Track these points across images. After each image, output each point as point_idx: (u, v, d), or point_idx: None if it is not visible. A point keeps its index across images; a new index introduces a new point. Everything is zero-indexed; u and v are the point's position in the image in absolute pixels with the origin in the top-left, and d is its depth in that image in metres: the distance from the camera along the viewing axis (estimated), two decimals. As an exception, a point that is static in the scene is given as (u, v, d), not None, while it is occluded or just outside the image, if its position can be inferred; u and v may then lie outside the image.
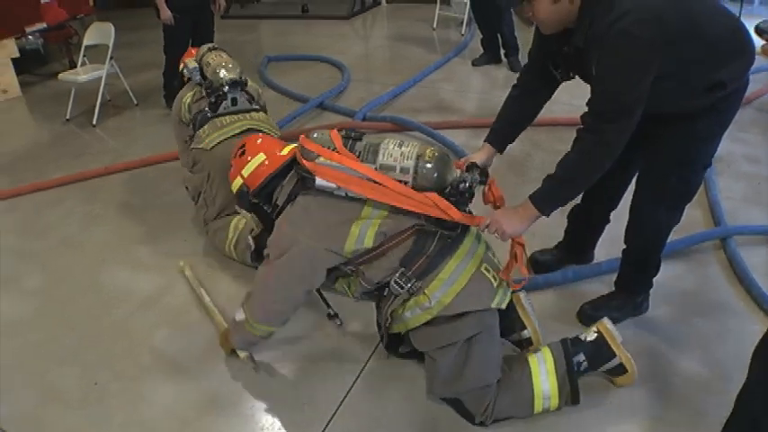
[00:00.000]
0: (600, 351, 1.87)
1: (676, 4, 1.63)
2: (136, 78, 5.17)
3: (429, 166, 1.75)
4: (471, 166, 1.90)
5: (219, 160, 2.60)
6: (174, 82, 3.98)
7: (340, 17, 7.40)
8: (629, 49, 1.59)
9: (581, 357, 1.85)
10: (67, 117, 4.65)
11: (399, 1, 7.95)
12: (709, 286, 2.43)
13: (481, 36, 5.29)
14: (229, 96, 2.82)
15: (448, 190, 1.77)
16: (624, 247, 2.16)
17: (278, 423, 1.94)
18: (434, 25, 6.61)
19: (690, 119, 1.81)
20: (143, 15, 5.79)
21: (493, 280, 1.81)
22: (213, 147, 2.71)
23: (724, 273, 2.49)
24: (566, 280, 2.45)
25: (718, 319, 2.25)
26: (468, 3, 5.65)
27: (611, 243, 2.39)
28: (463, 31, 6.27)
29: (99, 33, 4.74)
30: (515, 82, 2.07)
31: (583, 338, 1.90)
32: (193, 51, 3.22)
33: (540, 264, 2.51)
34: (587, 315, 2.21)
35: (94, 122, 4.52)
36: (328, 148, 1.81)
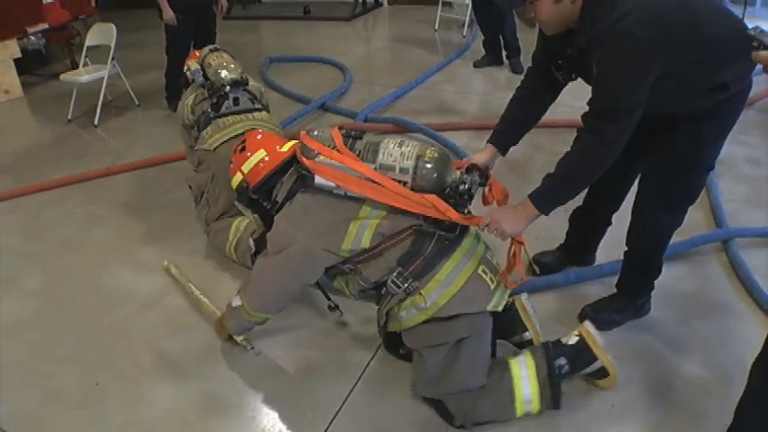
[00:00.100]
0: (581, 354, 1.86)
1: (678, 4, 1.63)
2: (137, 79, 5.17)
3: (429, 166, 1.75)
4: (471, 168, 1.89)
5: (223, 161, 2.59)
6: (177, 82, 3.98)
7: (342, 18, 7.40)
8: (630, 50, 1.59)
9: (562, 361, 1.84)
10: (69, 117, 4.66)
11: (401, 2, 7.95)
12: (710, 288, 2.42)
13: (483, 38, 5.28)
14: (231, 96, 2.82)
15: (447, 191, 1.77)
16: (626, 249, 2.15)
17: (279, 424, 1.94)
18: (436, 27, 6.61)
19: (693, 121, 1.80)
20: (145, 16, 5.81)
21: (490, 282, 1.81)
22: (217, 147, 2.71)
23: (725, 275, 2.48)
24: (567, 282, 2.45)
25: (720, 322, 2.24)
26: (470, 4, 5.64)
27: (612, 245, 2.38)
28: (465, 33, 6.26)
29: (101, 34, 4.74)
30: (519, 84, 2.07)
31: (564, 342, 1.89)
32: (196, 53, 3.22)
33: (541, 265, 2.50)
34: (588, 317, 2.19)
35: (96, 123, 4.53)
36: (328, 147, 1.81)
